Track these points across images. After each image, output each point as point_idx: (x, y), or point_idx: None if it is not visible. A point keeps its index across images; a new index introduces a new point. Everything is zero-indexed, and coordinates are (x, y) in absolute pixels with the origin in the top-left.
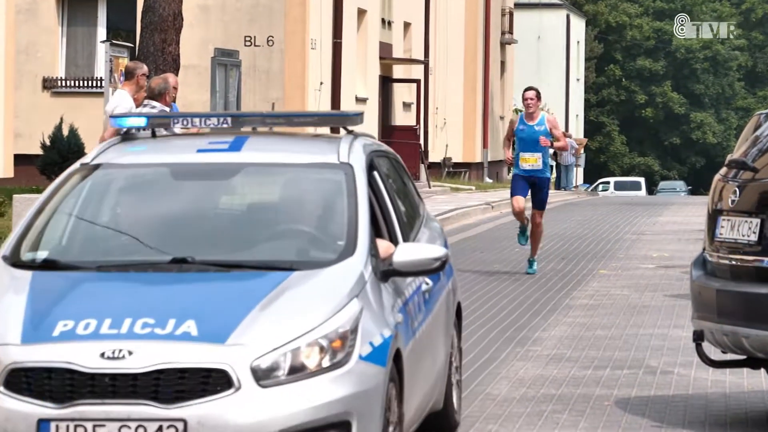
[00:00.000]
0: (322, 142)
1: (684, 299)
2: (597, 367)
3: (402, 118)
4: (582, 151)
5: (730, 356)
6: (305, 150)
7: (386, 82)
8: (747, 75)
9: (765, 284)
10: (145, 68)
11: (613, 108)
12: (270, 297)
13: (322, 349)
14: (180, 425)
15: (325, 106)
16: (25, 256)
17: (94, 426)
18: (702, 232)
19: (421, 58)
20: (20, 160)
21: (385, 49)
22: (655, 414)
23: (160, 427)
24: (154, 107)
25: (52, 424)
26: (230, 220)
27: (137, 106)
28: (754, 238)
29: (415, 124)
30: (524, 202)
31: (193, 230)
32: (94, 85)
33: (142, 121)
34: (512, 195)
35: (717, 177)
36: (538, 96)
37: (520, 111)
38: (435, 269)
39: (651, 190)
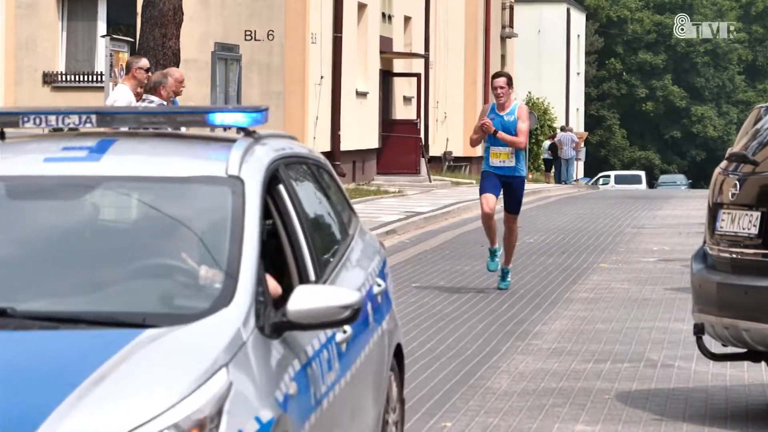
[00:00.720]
0: (212, 147)
1: (685, 293)
2: (598, 360)
3: (402, 112)
4: (582, 144)
5: (730, 349)
6: (186, 159)
7: (387, 76)
8: (747, 68)
9: (766, 277)
10: (142, 62)
11: (613, 102)
12: (103, 370)
13: None
14: None
15: (325, 100)
16: None
17: None
18: (702, 226)
19: (422, 52)
20: None
21: (385, 43)
22: (656, 407)
23: None
24: (152, 101)
25: None
26: (73, 255)
27: (138, 101)
28: (754, 231)
29: (415, 118)
30: (495, 203)
31: (22, 268)
32: (95, 79)
33: None
34: (481, 193)
35: (717, 170)
36: (509, 83)
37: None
38: (343, 321)
39: (651, 183)
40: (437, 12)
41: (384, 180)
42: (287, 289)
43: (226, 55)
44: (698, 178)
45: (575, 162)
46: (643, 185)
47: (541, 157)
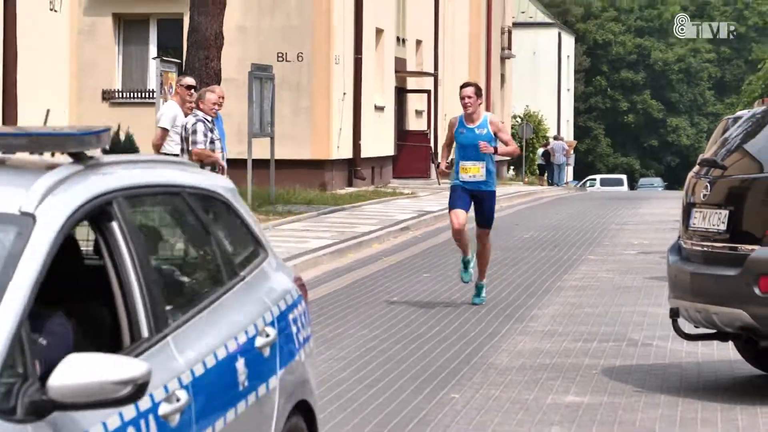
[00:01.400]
0: (23, 177)
1: (662, 281)
2: (586, 340)
3: (415, 123)
4: (572, 152)
5: (702, 330)
6: None
7: (401, 92)
8: (716, 84)
9: (732, 267)
10: (184, 80)
11: (599, 114)
12: None
13: None
14: None
15: (347, 113)
16: None
17: None
18: (677, 223)
19: (431, 71)
20: None
21: (399, 64)
22: (637, 381)
23: None
24: (196, 115)
25: None
26: None
27: (186, 116)
28: (723, 227)
29: (426, 129)
30: (465, 219)
31: None
32: (147, 96)
33: None
34: (450, 208)
35: (690, 174)
36: (478, 93)
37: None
38: (122, 400)
39: (632, 186)
40: (445, 36)
41: (399, 183)
42: (119, 347)
43: (261, 75)
44: (673, 181)
45: (566, 167)
46: (625, 187)
47: (536, 162)
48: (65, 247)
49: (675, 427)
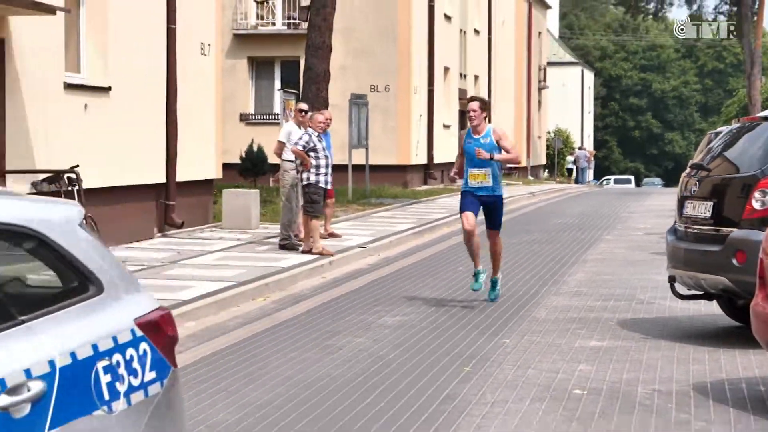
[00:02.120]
0: None
1: (662, 255)
2: (604, 299)
3: None
4: (592, 158)
5: (693, 292)
6: None
7: (463, 114)
8: (701, 108)
9: (716, 245)
10: (299, 106)
11: (613, 130)
12: None
13: None
14: None
15: (423, 130)
16: None
17: None
18: (673, 211)
19: (486, 98)
20: (226, 167)
21: (462, 93)
22: (643, 330)
23: None
24: (306, 133)
25: None
26: None
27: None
28: (708, 214)
29: None
30: (475, 221)
31: None
32: (273, 118)
33: None
34: (461, 211)
35: (683, 175)
36: (483, 107)
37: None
38: None
39: (638, 184)
40: (496, 72)
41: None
42: None
43: (358, 102)
44: (670, 180)
45: (588, 170)
46: (633, 185)
47: (566, 166)
48: None
49: (673, 364)
